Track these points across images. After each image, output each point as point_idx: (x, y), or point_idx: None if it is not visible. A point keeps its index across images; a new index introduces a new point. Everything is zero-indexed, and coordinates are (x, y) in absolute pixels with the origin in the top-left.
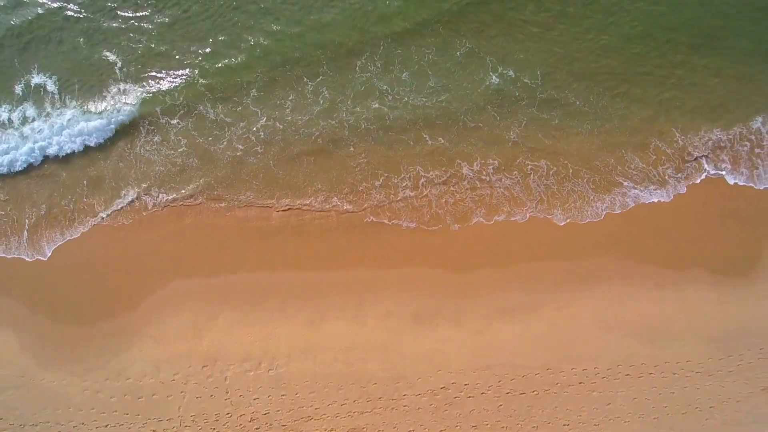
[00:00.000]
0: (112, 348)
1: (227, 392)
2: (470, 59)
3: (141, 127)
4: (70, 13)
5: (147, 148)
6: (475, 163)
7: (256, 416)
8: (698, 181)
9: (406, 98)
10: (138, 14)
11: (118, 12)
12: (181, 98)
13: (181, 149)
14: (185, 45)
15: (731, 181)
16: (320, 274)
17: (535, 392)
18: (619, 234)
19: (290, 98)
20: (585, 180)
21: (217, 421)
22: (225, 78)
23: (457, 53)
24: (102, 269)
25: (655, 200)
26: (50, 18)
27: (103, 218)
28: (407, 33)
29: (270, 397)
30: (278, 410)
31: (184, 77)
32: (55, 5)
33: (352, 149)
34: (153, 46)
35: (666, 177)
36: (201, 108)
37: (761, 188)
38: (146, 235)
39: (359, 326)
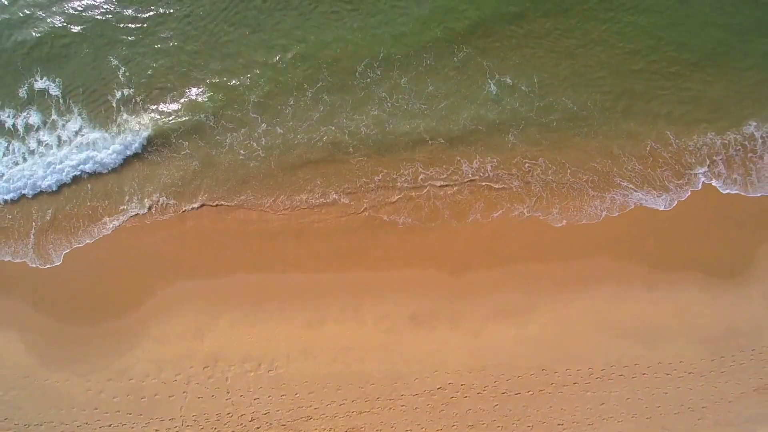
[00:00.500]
0: (115, 349)
1: (228, 392)
2: (468, 64)
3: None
4: (76, 29)
5: (151, 154)
6: (474, 161)
7: (257, 416)
8: (689, 192)
9: (405, 105)
10: (144, 28)
11: (125, 26)
12: (187, 116)
13: (184, 151)
14: (193, 61)
15: (724, 191)
16: (319, 275)
17: (530, 392)
18: (612, 236)
19: (290, 104)
20: (583, 180)
21: (218, 420)
22: (230, 94)
23: (455, 59)
24: (105, 271)
25: (660, 208)
26: (56, 27)
27: (111, 227)
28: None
29: (270, 397)
30: (278, 410)
31: (192, 96)
32: (61, 21)
33: (351, 149)
34: (155, 65)
35: (666, 182)
36: (202, 115)
37: (756, 196)
38: (148, 237)
39: (358, 327)
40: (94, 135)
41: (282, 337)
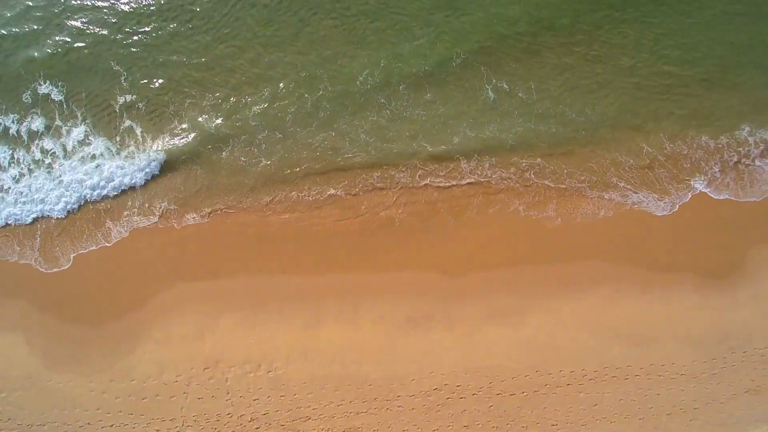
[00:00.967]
0: (117, 350)
1: (228, 393)
2: (466, 70)
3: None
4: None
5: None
6: (471, 162)
7: (256, 416)
8: (689, 197)
9: (404, 112)
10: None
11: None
12: (195, 132)
13: (184, 156)
14: (195, 72)
15: (717, 196)
16: (318, 278)
17: (525, 393)
18: (606, 239)
19: (291, 111)
20: (581, 180)
21: (218, 421)
22: (237, 113)
23: (453, 63)
24: (107, 273)
25: (657, 212)
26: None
27: (121, 233)
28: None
29: (269, 398)
30: (277, 411)
31: (200, 108)
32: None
33: (349, 155)
34: (157, 73)
35: (666, 185)
36: (204, 122)
37: (748, 200)
38: (149, 240)
39: (355, 329)
40: (100, 144)
41: (281, 339)
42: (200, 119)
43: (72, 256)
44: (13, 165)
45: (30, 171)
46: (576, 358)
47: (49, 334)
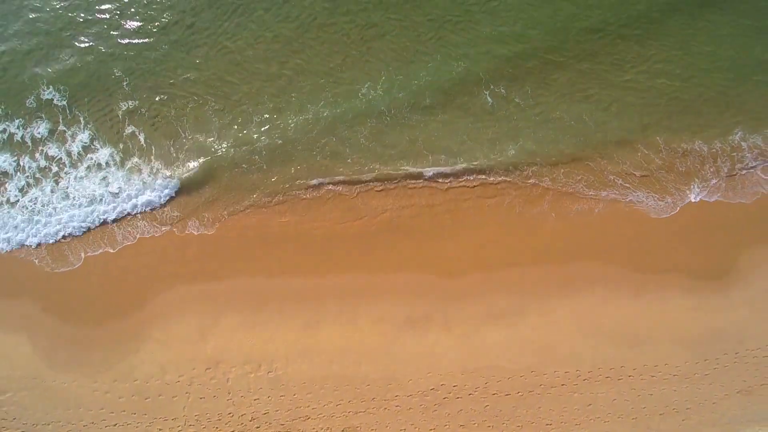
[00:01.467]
0: (120, 350)
1: (229, 393)
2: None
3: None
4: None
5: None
6: (470, 164)
7: (256, 416)
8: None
9: (403, 120)
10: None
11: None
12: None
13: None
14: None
15: (710, 199)
16: (317, 279)
17: (520, 393)
18: (600, 241)
19: (292, 122)
20: (577, 180)
21: (219, 420)
22: (234, 112)
23: (454, 72)
24: (110, 274)
25: (657, 215)
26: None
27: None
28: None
29: (269, 398)
30: (277, 410)
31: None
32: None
33: (349, 160)
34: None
35: (662, 188)
36: (205, 128)
37: (740, 203)
38: (152, 242)
39: (354, 330)
40: (105, 153)
41: (281, 340)
42: (201, 126)
43: (83, 255)
44: (18, 173)
45: (36, 180)
46: (570, 358)
47: (52, 334)
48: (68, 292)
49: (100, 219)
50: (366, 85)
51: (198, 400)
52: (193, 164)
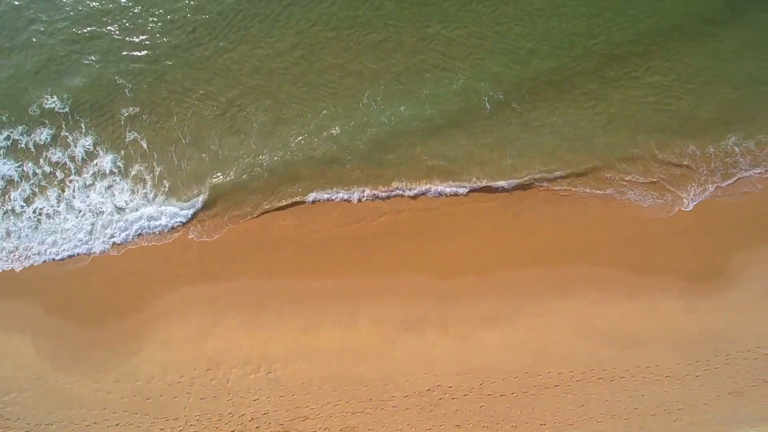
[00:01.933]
0: (122, 351)
1: (229, 393)
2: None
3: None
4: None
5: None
6: (469, 168)
7: (256, 416)
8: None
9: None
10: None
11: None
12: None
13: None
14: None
15: (702, 201)
16: (316, 282)
17: (514, 394)
18: (594, 243)
19: (294, 132)
20: (574, 183)
21: (219, 420)
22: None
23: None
24: (112, 276)
25: (659, 217)
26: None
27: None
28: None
29: (269, 398)
30: (276, 410)
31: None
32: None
33: (348, 167)
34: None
35: (658, 191)
36: (206, 135)
37: (733, 206)
38: (154, 245)
39: (352, 332)
40: (109, 158)
41: (280, 341)
42: (202, 135)
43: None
44: (23, 178)
45: (42, 188)
46: (564, 360)
47: (55, 335)
48: (71, 293)
49: (110, 242)
50: (366, 94)
51: (199, 400)
52: (201, 188)
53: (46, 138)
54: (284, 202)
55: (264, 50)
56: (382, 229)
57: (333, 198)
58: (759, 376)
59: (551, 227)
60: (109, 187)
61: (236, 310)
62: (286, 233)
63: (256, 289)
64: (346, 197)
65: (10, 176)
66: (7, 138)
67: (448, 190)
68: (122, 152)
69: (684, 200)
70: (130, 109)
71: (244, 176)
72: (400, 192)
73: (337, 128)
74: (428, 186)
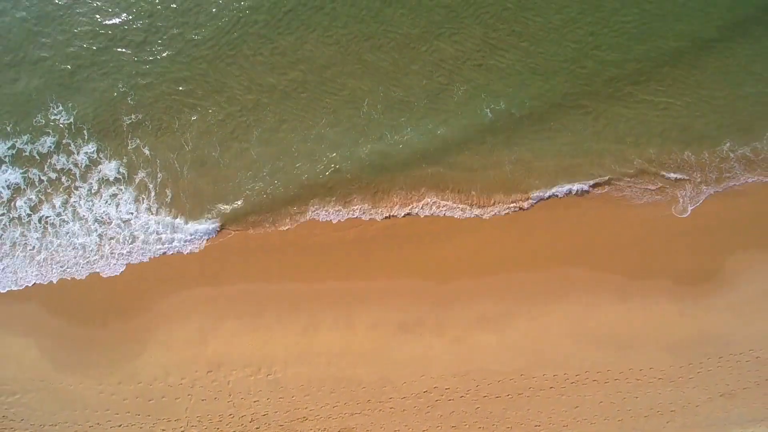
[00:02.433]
0: (124, 353)
1: (230, 395)
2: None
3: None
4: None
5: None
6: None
7: (256, 417)
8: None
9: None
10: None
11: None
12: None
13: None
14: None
15: (696, 207)
16: (315, 285)
17: (510, 396)
18: (588, 246)
19: (294, 145)
20: (570, 187)
21: (220, 421)
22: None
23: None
24: (115, 280)
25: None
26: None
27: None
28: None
29: (269, 400)
30: (276, 411)
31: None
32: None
33: (349, 176)
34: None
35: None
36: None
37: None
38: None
39: (350, 335)
40: (111, 166)
41: (280, 344)
42: (203, 143)
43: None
44: (27, 185)
45: (47, 195)
46: (559, 362)
47: (59, 338)
48: (74, 296)
49: (123, 264)
50: (366, 102)
51: (200, 401)
52: (211, 212)
53: (50, 146)
54: (287, 226)
55: (264, 57)
56: (380, 233)
57: (334, 219)
58: (751, 379)
59: (546, 231)
60: (114, 196)
61: (236, 312)
62: (286, 238)
63: (256, 292)
64: (346, 217)
65: (17, 183)
66: (12, 147)
67: (444, 213)
68: (124, 159)
69: (680, 205)
70: (133, 116)
71: (247, 190)
72: (397, 213)
73: (337, 137)
74: (426, 203)
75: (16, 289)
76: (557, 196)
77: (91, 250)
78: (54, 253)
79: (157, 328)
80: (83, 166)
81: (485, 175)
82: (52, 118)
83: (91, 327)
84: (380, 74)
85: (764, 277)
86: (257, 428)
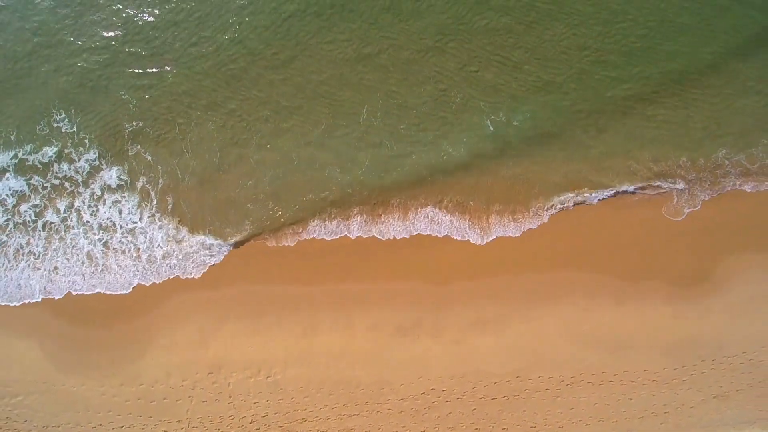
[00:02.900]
0: (126, 355)
1: (230, 397)
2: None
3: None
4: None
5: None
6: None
7: (256, 418)
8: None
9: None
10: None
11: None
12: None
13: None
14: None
15: (691, 210)
16: (314, 288)
17: (506, 397)
18: (583, 249)
19: (294, 156)
20: (567, 190)
21: (221, 422)
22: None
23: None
24: None
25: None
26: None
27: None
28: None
29: (268, 401)
30: (276, 413)
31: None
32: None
33: (349, 190)
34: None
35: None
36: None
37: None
38: None
39: (348, 337)
40: (112, 173)
41: (279, 346)
42: (203, 148)
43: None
44: (31, 191)
45: (51, 199)
46: (554, 364)
47: (61, 340)
48: (76, 298)
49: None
50: (365, 108)
51: (201, 403)
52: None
53: (53, 154)
54: (289, 243)
55: (264, 61)
56: (377, 238)
57: (332, 237)
58: (744, 381)
59: (542, 234)
60: (117, 201)
61: (237, 315)
62: (285, 241)
63: (256, 294)
64: (344, 233)
65: (21, 191)
66: (14, 156)
67: (444, 233)
68: (126, 165)
69: (676, 209)
70: (134, 123)
71: (249, 205)
72: (395, 233)
73: (336, 142)
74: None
75: (17, 304)
76: (563, 208)
77: (98, 268)
78: (60, 270)
79: (158, 330)
80: (85, 173)
81: (494, 187)
82: (55, 126)
83: (93, 329)
84: (379, 85)
85: (758, 280)
86: (257, 429)
